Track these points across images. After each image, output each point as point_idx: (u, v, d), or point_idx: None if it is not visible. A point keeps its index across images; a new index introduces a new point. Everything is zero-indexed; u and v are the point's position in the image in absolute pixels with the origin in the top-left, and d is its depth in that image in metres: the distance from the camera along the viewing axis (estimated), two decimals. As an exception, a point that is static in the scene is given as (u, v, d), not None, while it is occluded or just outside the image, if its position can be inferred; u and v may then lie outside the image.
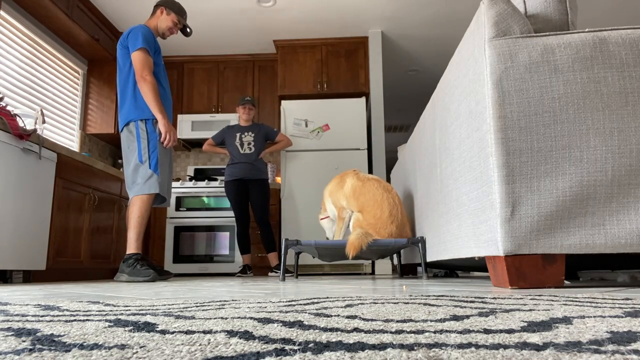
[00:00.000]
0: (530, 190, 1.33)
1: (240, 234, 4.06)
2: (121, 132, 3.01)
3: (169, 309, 0.81)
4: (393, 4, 4.47)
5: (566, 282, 1.87)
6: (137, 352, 0.41)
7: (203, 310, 0.78)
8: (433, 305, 0.80)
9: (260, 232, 4.04)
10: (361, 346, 0.42)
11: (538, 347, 0.40)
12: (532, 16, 1.51)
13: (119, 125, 3.03)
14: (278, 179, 5.17)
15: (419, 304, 0.83)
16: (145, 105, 2.93)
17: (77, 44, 4.41)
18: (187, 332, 0.52)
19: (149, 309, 0.81)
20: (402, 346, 0.41)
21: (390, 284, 1.91)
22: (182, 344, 0.44)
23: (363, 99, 4.70)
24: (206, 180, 4.77)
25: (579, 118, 1.34)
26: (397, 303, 0.84)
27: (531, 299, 0.89)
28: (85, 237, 3.53)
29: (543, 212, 1.31)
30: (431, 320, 0.59)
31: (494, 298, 0.94)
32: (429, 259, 2.46)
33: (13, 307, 0.89)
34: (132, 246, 2.84)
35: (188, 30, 3.28)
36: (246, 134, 4.15)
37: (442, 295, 1.04)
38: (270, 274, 4.16)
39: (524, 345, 0.41)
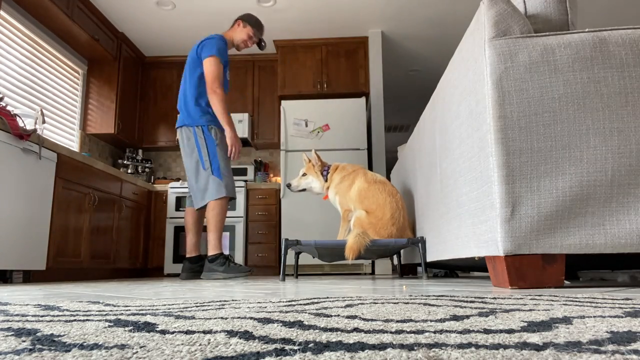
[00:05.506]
0: (530, 190, 1.33)
1: None
2: (179, 129, 3.20)
3: (169, 309, 0.81)
4: (393, 4, 4.47)
5: (566, 282, 1.87)
6: (137, 352, 0.41)
7: (203, 310, 0.78)
8: (433, 305, 0.80)
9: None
10: (361, 346, 0.42)
11: (538, 347, 0.40)
12: (532, 16, 1.51)
13: (179, 121, 3.22)
14: (278, 179, 5.18)
15: (419, 304, 0.83)
16: (201, 114, 3.11)
17: (77, 44, 4.41)
18: (187, 332, 0.52)
19: (149, 309, 0.81)
20: (402, 346, 0.41)
21: (390, 284, 1.91)
22: (182, 344, 0.44)
23: (363, 99, 4.70)
24: (206, 180, 4.76)
25: (579, 118, 1.34)
26: (397, 303, 0.84)
27: (531, 299, 0.89)
28: (85, 237, 3.53)
29: (543, 212, 1.31)
30: (431, 320, 0.59)
31: (494, 298, 0.94)
32: (429, 259, 2.46)
33: (13, 307, 0.89)
34: (216, 247, 3.04)
35: (263, 44, 3.41)
36: None
37: (442, 295, 1.04)
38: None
39: (524, 345, 0.41)
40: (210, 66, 3.06)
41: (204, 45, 3.11)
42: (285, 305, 0.83)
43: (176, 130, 3.26)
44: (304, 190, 3.20)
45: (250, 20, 3.29)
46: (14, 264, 2.78)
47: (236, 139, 3.12)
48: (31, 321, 0.65)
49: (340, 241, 2.62)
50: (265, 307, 0.81)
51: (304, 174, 3.17)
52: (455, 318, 0.61)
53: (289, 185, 3.17)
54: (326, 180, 3.09)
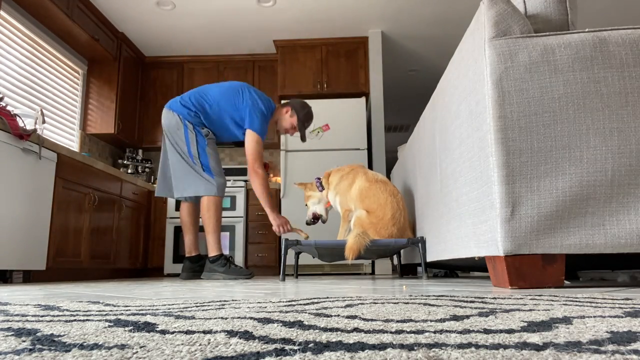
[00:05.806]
0: (530, 190, 1.33)
1: None
2: (170, 111, 3.03)
3: (169, 309, 0.81)
4: (393, 4, 4.47)
5: (566, 282, 1.87)
6: (137, 352, 0.41)
7: (203, 310, 0.78)
8: (433, 305, 0.80)
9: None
10: (361, 346, 0.42)
11: (538, 347, 0.40)
12: (532, 16, 1.51)
13: (171, 104, 3.07)
14: (278, 179, 5.17)
15: (419, 304, 0.83)
16: (194, 116, 3.00)
17: (77, 44, 4.41)
18: (187, 332, 0.52)
19: (149, 309, 0.81)
20: (402, 346, 0.41)
21: (390, 284, 1.91)
22: (182, 344, 0.44)
23: (363, 99, 4.70)
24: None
25: (579, 118, 1.34)
26: (397, 303, 0.84)
27: (531, 299, 0.89)
28: (85, 237, 3.53)
29: (543, 212, 1.31)
30: (431, 320, 0.59)
31: (494, 298, 0.94)
32: (429, 259, 2.46)
33: (13, 307, 0.89)
34: (216, 248, 3.02)
35: (303, 138, 3.28)
36: None
37: (442, 295, 1.04)
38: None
39: (524, 345, 0.41)
40: (253, 143, 2.99)
41: (251, 113, 2.99)
42: (285, 305, 0.83)
43: (164, 109, 3.07)
44: (321, 215, 3.15)
45: (299, 111, 3.17)
46: (14, 264, 2.78)
47: (280, 220, 3.04)
48: (31, 321, 0.65)
49: (340, 241, 2.62)
50: (265, 307, 0.81)
51: (306, 205, 3.20)
52: (455, 318, 0.61)
53: (324, 221, 3.16)
54: (322, 189, 3.11)
